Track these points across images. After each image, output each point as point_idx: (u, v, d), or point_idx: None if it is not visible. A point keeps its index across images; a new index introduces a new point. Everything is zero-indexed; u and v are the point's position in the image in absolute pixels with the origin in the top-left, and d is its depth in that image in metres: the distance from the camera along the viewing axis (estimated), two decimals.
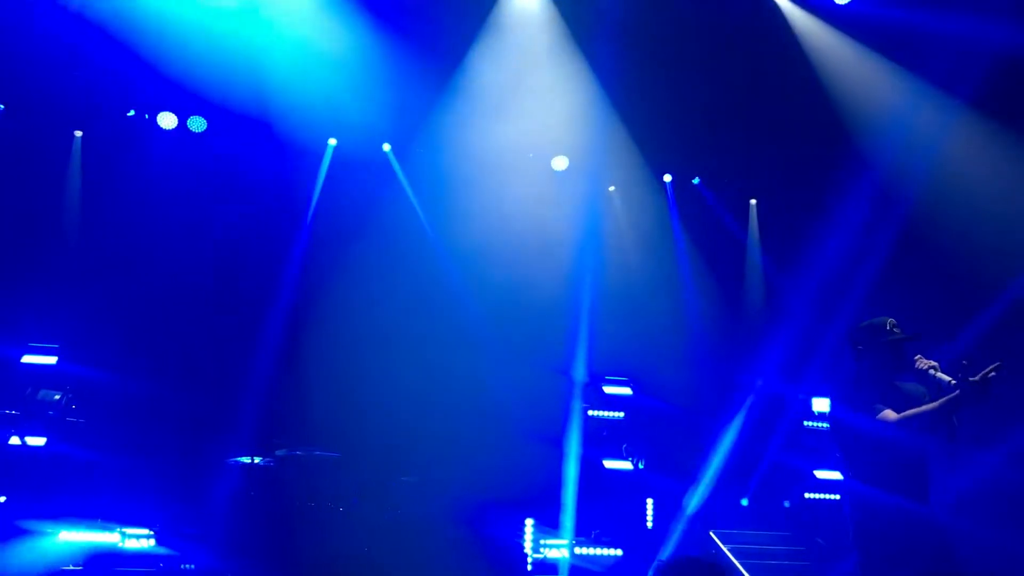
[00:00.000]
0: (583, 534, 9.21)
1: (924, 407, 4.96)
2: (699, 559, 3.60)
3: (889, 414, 4.99)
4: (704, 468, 9.91)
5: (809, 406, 10.41)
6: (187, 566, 8.10)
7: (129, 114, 10.30)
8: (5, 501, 8.15)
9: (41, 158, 10.13)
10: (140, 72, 9.55)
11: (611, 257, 11.19)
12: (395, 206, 10.90)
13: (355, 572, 8.06)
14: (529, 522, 8.92)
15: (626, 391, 10.54)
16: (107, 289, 9.87)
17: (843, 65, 9.90)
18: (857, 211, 9.97)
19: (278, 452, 8.83)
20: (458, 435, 9.42)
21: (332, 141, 10.83)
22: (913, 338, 5.20)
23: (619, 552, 9.17)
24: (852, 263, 10.19)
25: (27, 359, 9.11)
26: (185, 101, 10.15)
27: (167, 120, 10.31)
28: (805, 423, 10.42)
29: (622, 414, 10.43)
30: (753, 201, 12.15)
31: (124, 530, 8.09)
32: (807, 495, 10.22)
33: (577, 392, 10.17)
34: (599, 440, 10.14)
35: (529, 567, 8.83)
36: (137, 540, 8.09)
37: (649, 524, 9.77)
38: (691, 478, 9.90)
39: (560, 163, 11.29)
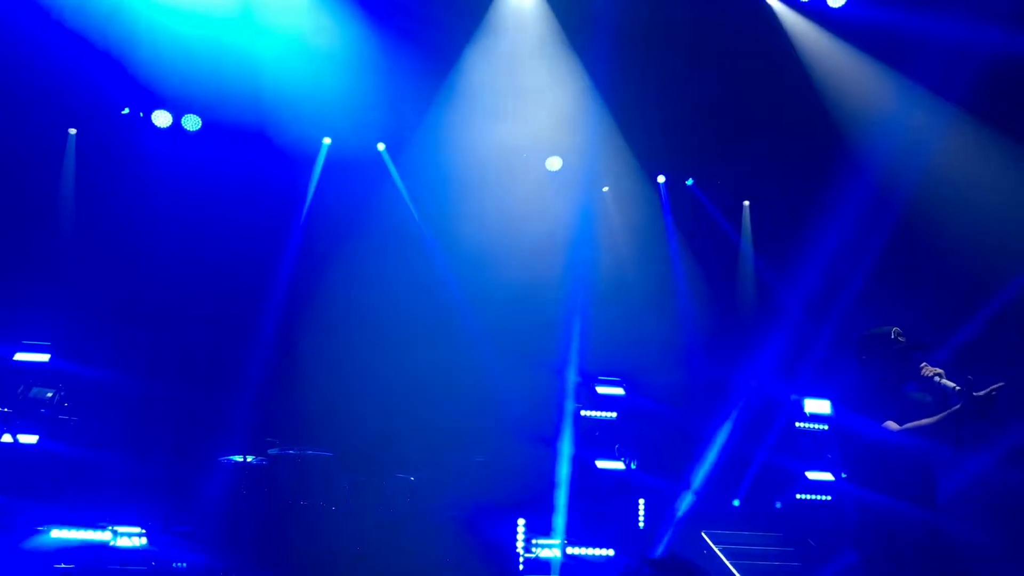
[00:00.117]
0: (575, 534, 9.21)
1: (925, 421, 4.92)
2: (674, 558, 3.53)
3: (892, 426, 4.97)
4: (696, 468, 9.93)
5: (801, 407, 10.42)
6: (179, 564, 8.10)
7: (124, 112, 10.29)
8: None
9: (35, 155, 10.12)
10: (135, 72, 9.56)
11: (604, 258, 11.21)
12: (389, 205, 10.91)
13: (347, 571, 8.06)
14: (521, 522, 8.93)
15: (619, 391, 10.53)
16: (100, 287, 9.86)
17: (836, 67, 9.93)
18: (850, 213, 9.99)
19: (271, 451, 8.84)
20: (451, 435, 9.43)
21: (326, 140, 10.84)
22: (918, 346, 5.17)
23: (611, 552, 9.19)
24: (845, 264, 10.22)
25: (19, 356, 9.09)
26: (180, 100, 10.15)
27: (162, 118, 10.31)
28: (797, 424, 10.43)
29: (615, 414, 10.43)
30: (746, 202, 12.18)
31: (116, 528, 8.08)
32: (799, 496, 10.23)
33: (570, 392, 10.18)
34: (592, 440, 10.16)
35: (521, 566, 8.84)
36: (129, 538, 8.09)
37: (641, 524, 9.79)
38: (683, 479, 9.92)
39: (554, 163, 11.32)
